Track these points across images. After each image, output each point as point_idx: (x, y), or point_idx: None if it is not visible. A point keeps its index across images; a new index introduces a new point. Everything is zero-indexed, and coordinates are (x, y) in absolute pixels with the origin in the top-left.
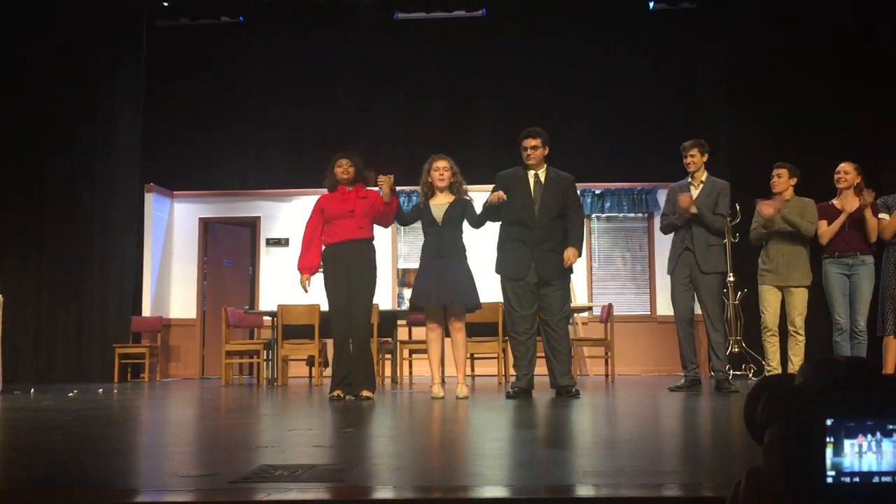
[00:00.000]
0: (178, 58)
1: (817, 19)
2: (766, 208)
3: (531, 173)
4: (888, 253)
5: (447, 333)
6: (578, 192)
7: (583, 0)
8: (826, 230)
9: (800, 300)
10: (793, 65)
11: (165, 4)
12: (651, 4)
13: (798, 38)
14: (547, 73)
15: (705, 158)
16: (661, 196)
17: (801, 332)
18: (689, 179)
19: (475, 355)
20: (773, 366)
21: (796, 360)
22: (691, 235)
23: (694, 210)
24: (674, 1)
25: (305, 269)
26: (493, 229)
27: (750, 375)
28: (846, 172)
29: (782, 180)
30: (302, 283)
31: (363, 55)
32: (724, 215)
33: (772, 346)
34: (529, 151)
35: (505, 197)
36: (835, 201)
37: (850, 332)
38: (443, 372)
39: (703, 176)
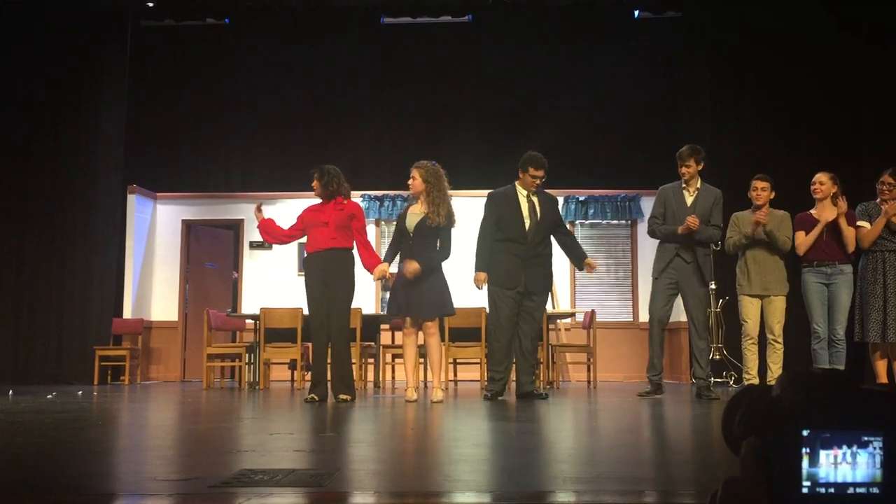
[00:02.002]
0: (162, 59)
1: (800, 27)
2: (760, 216)
3: (523, 194)
4: (865, 260)
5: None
6: (562, 199)
7: (569, 8)
8: (803, 241)
9: (778, 309)
10: (776, 73)
11: (150, 5)
12: (636, 13)
13: (781, 47)
14: (532, 79)
15: (701, 167)
16: (645, 203)
17: (780, 339)
18: (683, 185)
19: (457, 360)
20: (752, 374)
21: (775, 368)
22: (685, 244)
23: (695, 225)
24: (659, 10)
25: (265, 220)
26: (471, 239)
27: (730, 382)
28: (821, 183)
29: (765, 193)
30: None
31: (349, 59)
32: (718, 226)
33: (752, 354)
34: (538, 181)
35: (486, 282)
36: (813, 211)
37: (828, 340)
38: (419, 376)
39: (698, 183)
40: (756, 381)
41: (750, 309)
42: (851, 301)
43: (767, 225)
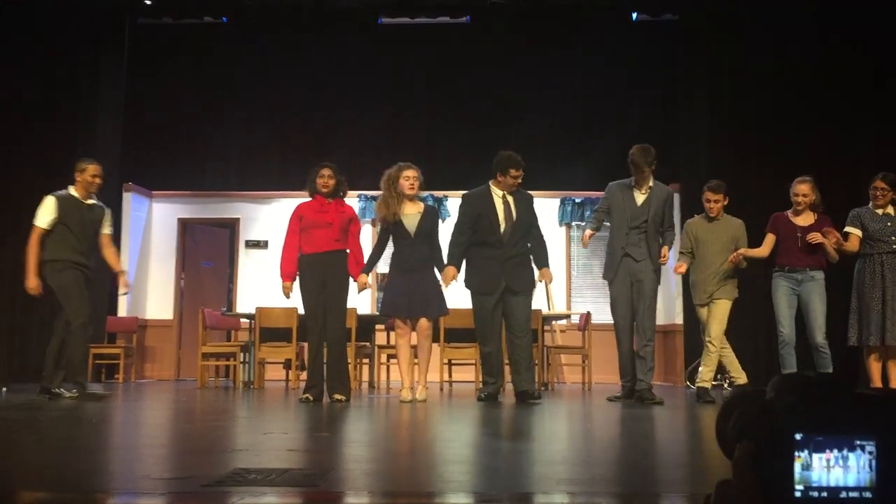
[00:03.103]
0: (160, 57)
1: (797, 31)
2: (679, 268)
3: (498, 195)
4: (863, 263)
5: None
6: (558, 200)
7: (567, 9)
8: (768, 247)
9: (720, 311)
10: (773, 75)
11: (148, 2)
12: (634, 15)
13: (779, 50)
14: (530, 81)
15: (653, 168)
16: None
17: (715, 343)
18: (634, 184)
19: (453, 361)
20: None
21: (705, 371)
22: (634, 242)
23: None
24: (656, 12)
25: (288, 276)
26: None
27: (725, 386)
28: (805, 195)
29: (719, 205)
30: (284, 290)
31: (347, 59)
32: (672, 227)
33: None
34: (520, 181)
35: (456, 278)
36: (790, 213)
37: (812, 349)
38: (413, 376)
39: (650, 181)
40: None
41: (706, 316)
42: (847, 304)
43: (720, 234)
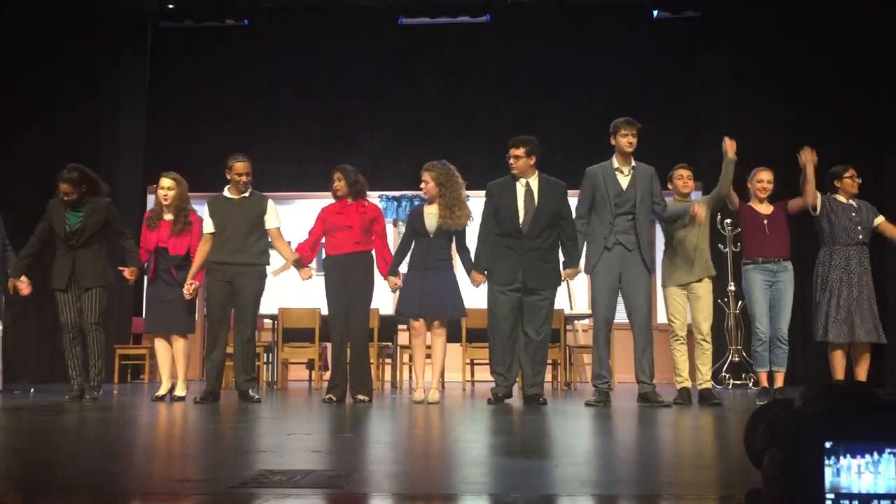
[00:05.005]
0: (182, 60)
1: (821, 28)
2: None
3: (520, 182)
4: (827, 256)
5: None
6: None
7: (587, 8)
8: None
9: (705, 305)
10: (796, 73)
11: (171, 7)
12: (655, 13)
13: (801, 47)
14: (550, 79)
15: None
16: None
17: (708, 339)
18: (616, 165)
19: (475, 361)
20: (684, 377)
21: (704, 370)
22: (625, 228)
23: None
24: (677, 10)
25: (300, 262)
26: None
27: (750, 385)
28: (770, 182)
29: (691, 182)
30: (301, 275)
31: (367, 59)
32: (663, 199)
33: (681, 354)
34: (512, 161)
35: (483, 281)
36: (752, 204)
37: (772, 340)
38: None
39: (633, 161)
40: (688, 383)
41: (676, 306)
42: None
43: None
